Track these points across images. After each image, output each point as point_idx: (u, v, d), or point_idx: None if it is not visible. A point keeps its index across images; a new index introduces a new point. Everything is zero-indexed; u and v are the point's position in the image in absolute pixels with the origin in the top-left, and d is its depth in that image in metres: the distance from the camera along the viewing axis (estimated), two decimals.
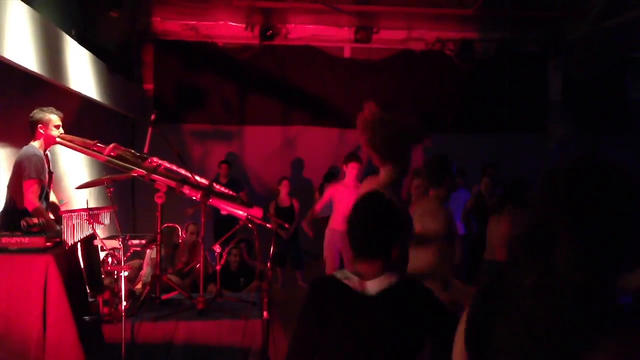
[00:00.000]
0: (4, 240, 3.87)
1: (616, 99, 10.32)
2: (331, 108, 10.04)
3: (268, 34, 9.44)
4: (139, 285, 6.20)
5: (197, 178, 4.84)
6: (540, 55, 10.09)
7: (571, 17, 8.99)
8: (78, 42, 6.17)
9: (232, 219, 6.06)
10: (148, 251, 6.22)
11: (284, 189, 8.30)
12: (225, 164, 8.69)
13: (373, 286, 2.12)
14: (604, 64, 9.77)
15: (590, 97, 10.13)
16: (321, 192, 8.59)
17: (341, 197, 6.37)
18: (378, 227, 2.20)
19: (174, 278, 5.83)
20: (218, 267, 4.88)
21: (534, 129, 10.15)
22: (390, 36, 9.93)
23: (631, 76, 10.40)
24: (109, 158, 4.57)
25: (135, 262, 6.55)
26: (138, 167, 4.63)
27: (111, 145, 4.62)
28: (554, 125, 10.19)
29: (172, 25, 9.54)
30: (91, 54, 6.64)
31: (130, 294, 4.65)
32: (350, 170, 6.47)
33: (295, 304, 7.10)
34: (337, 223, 6.39)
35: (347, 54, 10.22)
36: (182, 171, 4.86)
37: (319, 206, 6.73)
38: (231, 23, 9.62)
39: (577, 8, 8.59)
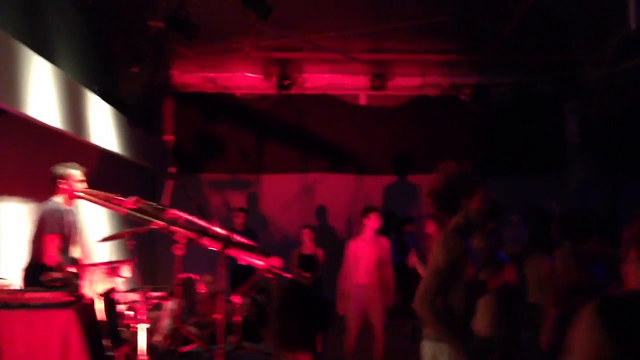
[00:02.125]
0: (26, 295, 3.90)
1: (634, 139, 10.24)
2: (348, 155, 10.11)
3: (285, 83, 9.59)
4: (157, 337, 6.17)
5: (216, 229, 4.87)
6: (556, 99, 10.09)
7: (587, 60, 9.03)
8: (100, 97, 6.32)
9: (248, 268, 6.05)
10: (167, 303, 6.21)
11: (306, 237, 8.23)
12: (242, 212, 8.35)
13: None
14: (621, 106, 9.74)
15: (609, 138, 10.07)
16: (400, 243, 8.64)
17: (362, 252, 6.35)
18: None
19: (193, 329, 5.80)
20: (238, 318, 4.86)
21: (552, 172, 10.09)
22: (405, 83, 10.03)
23: None
24: (130, 211, 4.63)
25: (154, 314, 6.53)
26: (158, 219, 4.68)
27: (132, 199, 4.68)
28: (574, 168, 10.12)
29: (191, 77, 9.75)
30: (112, 108, 6.79)
31: (150, 347, 4.63)
32: (372, 222, 6.42)
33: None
34: (360, 277, 6.34)
35: (362, 101, 10.33)
36: (202, 222, 4.90)
37: (345, 272, 6.59)
38: (248, 74, 9.80)
39: (593, 51, 8.64)
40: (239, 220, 8.21)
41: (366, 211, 6.50)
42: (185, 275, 6.52)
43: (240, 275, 7.26)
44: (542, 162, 10.11)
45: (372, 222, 6.39)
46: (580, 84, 9.50)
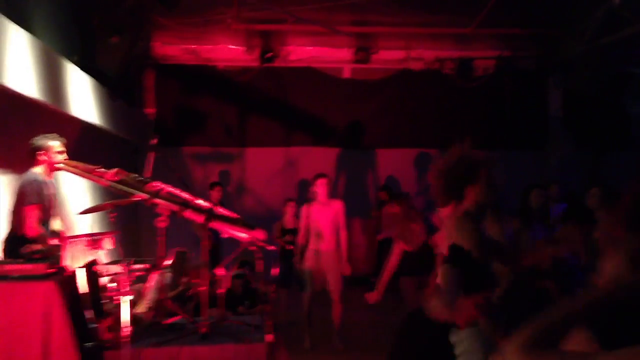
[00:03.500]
0: (6, 267, 3.86)
1: (615, 115, 10.33)
2: (332, 128, 10.08)
3: (268, 56, 9.49)
4: (141, 309, 6.15)
5: (199, 201, 4.84)
6: (539, 73, 10.12)
7: (569, 34, 9.04)
8: (79, 68, 6.21)
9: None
10: (151, 275, 6.18)
11: (290, 211, 8.20)
12: (217, 186, 8.22)
13: None
14: (603, 81, 9.80)
15: (590, 113, 10.14)
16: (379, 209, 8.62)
17: (318, 218, 6.38)
18: None
19: (177, 302, 5.79)
20: (222, 290, 4.85)
21: (534, 146, 10.16)
22: (389, 56, 9.98)
23: (629, 92, 10.42)
24: (111, 183, 4.57)
25: (137, 286, 6.51)
26: (140, 191, 4.62)
27: (113, 170, 4.62)
28: (555, 143, 10.19)
29: (172, 49, 9.61)
30: (92, 80, 6.67)
31: (133, 319, 4.62)
32: (320, 189, 6.46)
33: (299, 326, 7.01)
34: (317, 243, 6.37)
35: (346, 74, 10.27)
36: (184, 195, 4.85)
37: (302, 234, 6.61)
38: (231, 46, 9.69)
39: (575, 25, 8.64)
40: (215, 194, 8.08)
41: (314, 178, 6.51)
42: (178, 249, 6.50)
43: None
44: (524, 136, 10.17)
45: (320, 189, 6.41)
46: (563, 58, 9.51)
